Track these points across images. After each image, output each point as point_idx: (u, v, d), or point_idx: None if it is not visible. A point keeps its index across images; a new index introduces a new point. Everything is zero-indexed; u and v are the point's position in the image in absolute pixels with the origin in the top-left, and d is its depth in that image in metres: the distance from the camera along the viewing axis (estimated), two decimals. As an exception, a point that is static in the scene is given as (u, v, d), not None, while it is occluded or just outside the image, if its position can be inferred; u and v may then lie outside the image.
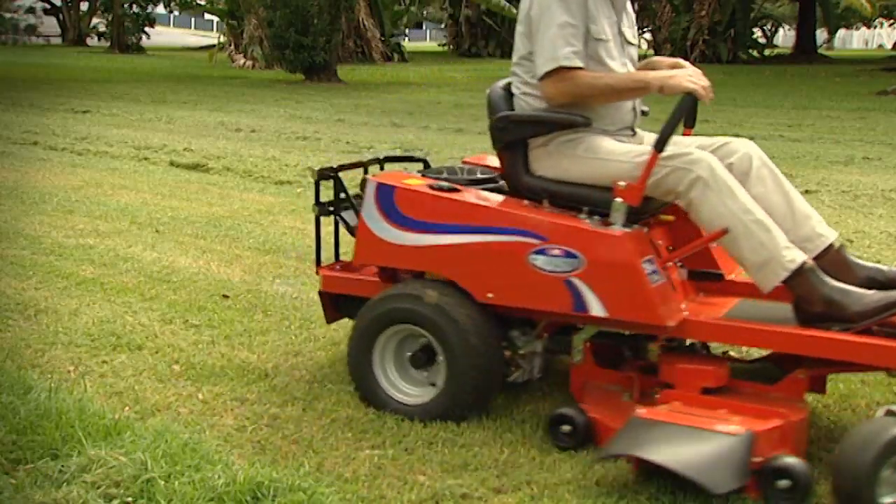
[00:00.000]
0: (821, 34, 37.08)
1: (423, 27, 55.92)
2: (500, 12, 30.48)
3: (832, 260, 3.05)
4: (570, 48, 3.12)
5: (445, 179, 3.34)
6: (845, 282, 2.94)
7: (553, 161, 3.20)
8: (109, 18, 37.60)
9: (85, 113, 13.74)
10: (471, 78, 23.62)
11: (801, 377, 2.96)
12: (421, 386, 3.30)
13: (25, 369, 3.58)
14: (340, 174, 3.59)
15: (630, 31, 3.35)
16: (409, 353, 3.30)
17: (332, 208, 3.62)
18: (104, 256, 5.43)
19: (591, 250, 2.98)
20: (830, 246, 3.08)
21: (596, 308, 2.98)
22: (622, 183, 3.00)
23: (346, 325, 4.26)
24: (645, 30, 30.19)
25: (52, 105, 14.62)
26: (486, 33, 35.60)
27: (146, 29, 37.15)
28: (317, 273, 3.69)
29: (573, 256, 2.99)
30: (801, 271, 2.89)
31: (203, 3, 37.69)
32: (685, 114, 3.04)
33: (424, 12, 42.99)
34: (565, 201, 3.15)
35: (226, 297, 4.67)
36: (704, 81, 3.00)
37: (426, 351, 3.25)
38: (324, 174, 3.57)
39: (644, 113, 3.45)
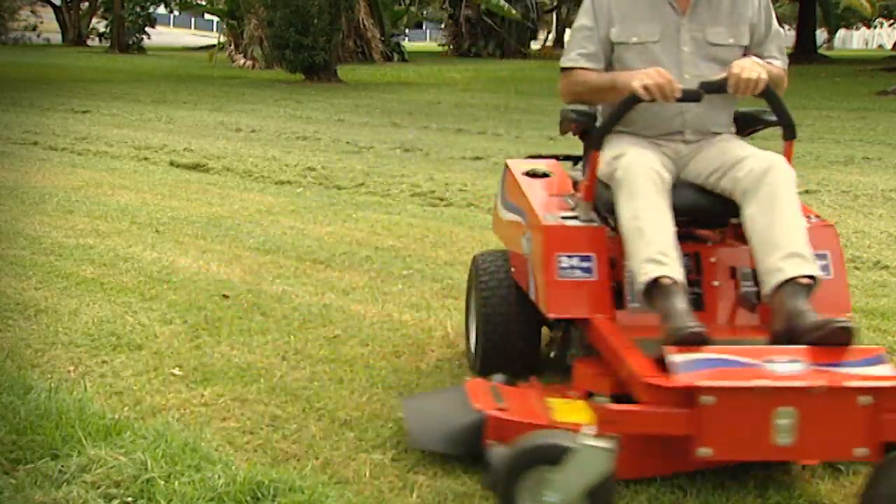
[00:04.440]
0: (821, 34, 37.09)
1: (423, 27, 55.89)
2: (500, 12, 30.55)
3: (778, 299, 2.75)
4: (578, 50, 3.26)
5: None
6: (774, 326, 2.74)
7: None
8: (110, 18, 37.57)
9: (85, 113, 13.73)
10: (471, 78, 23.63)
11: None
12: None
13: (25, 369, 3.58)
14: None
15: (724, 32, 3.21)
16: None
17: None
18: (104, 256, 5.43)
19: (533, 238, 3.21)
20: (790, 281, 2.74)
21: (532, 292, 3.23)
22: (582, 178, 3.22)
23: (345, 324, 4.27)
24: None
25: (52, 105, 14.61)
26: (486, 33, 35.61)
27: (147, 29, 37.11)
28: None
29: (530, 242, 3.25)
30: (652, 287, 2.78)
31: (203, 3, 37.69)
32: (624, 112, 3.07)
33: (424, 12, 42.97)
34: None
35: (226, 297, 4.67)
36: (655, 81, 2.93)
37: None
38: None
39: (769, 122, 3.36)
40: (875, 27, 48.96)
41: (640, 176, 2.92)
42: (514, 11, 30.46)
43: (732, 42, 3.21)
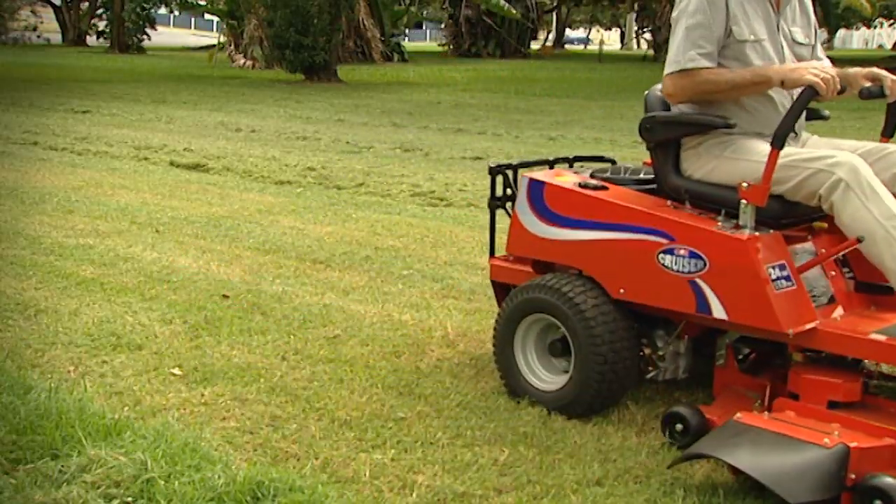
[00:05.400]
0: (821, 34, 37.07)
1: (423, 27, 55.91)
2: (500, 12, 30.53)
3: None
4: (697, 50, 3.11)
5: (606, 178, 3.42)
6: None
7: (701, 162, 3.20)
8: (109, 18, 37.52)
9: (85, 113, 13.73)
10: (471, 78, 23.63)
11: None
12: (558, 374, 3.37)
13: (25, 369, 3.58)
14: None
15: (801, 31, 3.28)
16: (549, 342, 3.39)
17: (499, 202, 3.75)
18: (104, 256, 5.43)
19: (714, 252, 2.99)
20: None
21: (717, 310, 2.99)
22: (745, 184, 2.96)
23: (345, 324, 4.27)
24: (645, 30, 30.21)
25: (52, 105, 14.62)
26: (486, 33, 35.63)
27: (147, 29, 37.08)
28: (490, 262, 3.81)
29: (698, 257, 3.01)
30: None
31: (203, 3, 37.68)
32: (804, 107, 3.00)
33: (424, 12, 42.98)
34: (707, 202, 3.15)
35: (226, 297, 4.67)
36: (828, 74, 2.91)
37: (564, 340, 3.31)
38: (497, 170, 3.70)
39: (824, 117, 3.47)
40: (875, 27, 48.95)
41: (869, 175, 2.87)
42: (514, 11, 30.42)
43: (808, 41, 3.28)
